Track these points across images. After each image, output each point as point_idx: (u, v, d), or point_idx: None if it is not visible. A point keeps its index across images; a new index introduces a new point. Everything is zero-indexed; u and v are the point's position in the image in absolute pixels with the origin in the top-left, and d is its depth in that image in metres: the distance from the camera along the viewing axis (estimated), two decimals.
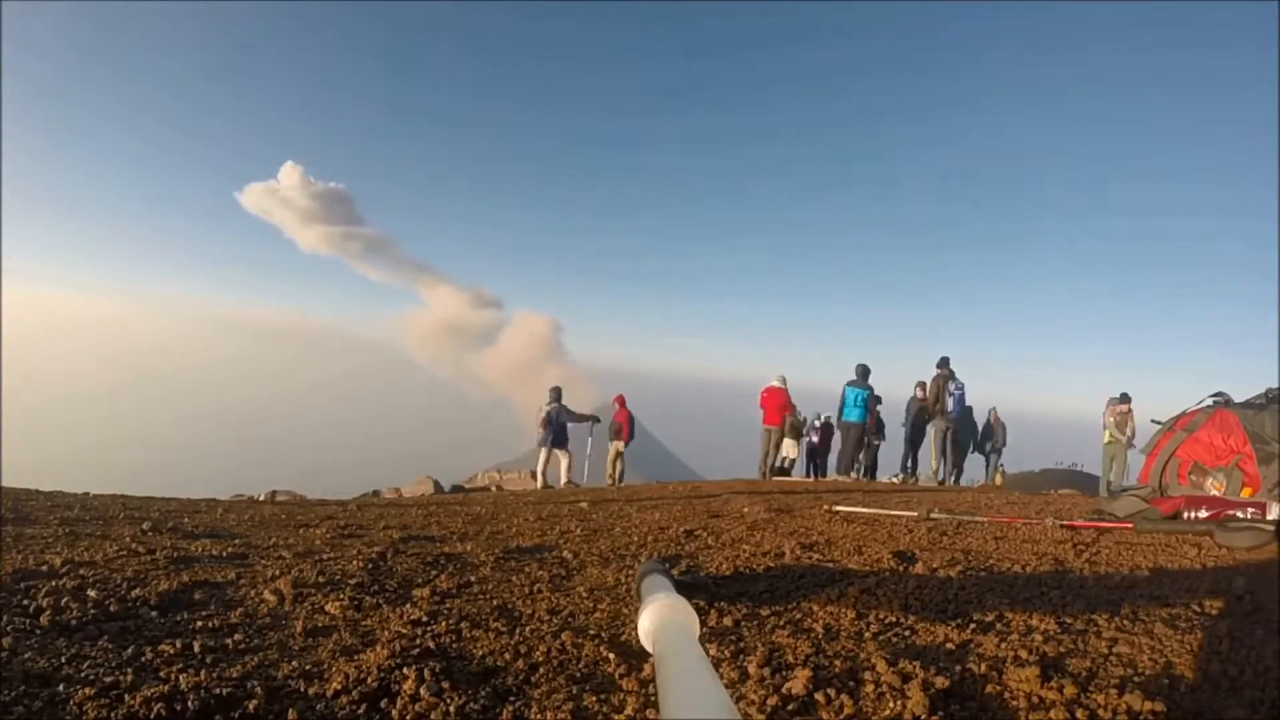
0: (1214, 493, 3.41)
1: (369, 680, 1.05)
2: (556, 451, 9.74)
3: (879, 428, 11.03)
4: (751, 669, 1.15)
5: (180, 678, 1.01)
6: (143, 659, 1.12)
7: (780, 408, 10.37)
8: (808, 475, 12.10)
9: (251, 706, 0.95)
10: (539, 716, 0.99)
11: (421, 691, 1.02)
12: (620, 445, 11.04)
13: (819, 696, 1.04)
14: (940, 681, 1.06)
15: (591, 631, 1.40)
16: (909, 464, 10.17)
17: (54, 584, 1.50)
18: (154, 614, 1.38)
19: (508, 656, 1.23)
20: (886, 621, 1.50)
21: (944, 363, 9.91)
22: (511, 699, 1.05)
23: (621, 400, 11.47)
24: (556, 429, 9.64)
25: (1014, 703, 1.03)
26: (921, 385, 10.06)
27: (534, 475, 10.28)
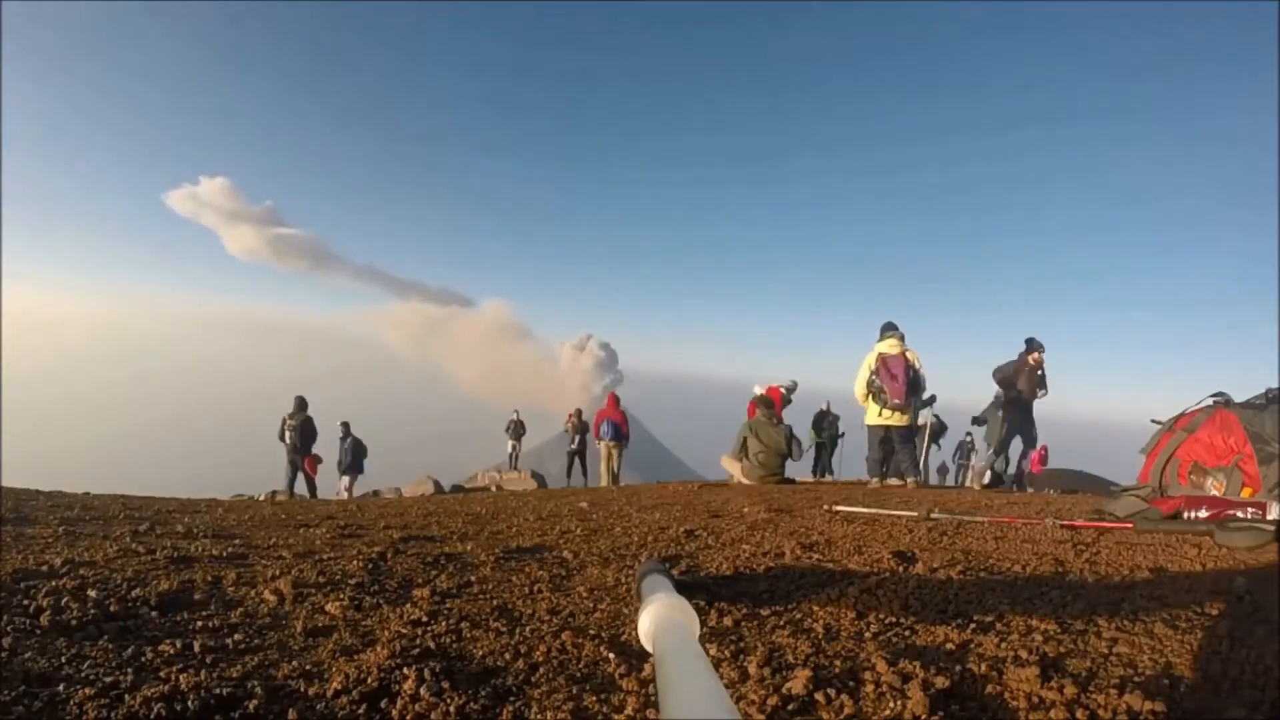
0: (1214, 493, 3.41)
1: (369, 680, 1.05)
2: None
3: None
4: (751, 669, 1.15)
5: (180, 678, 1.01)
6: (143, 659, 1.12)
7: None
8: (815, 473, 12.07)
9: (251, 706, 0.95)
10: (539, 716, 0.99)
11: (421, 691, 1.02)
12: (611, 444, 11.17)
13: (819, 696, 1.04)
14: (940, 681, 1.06)
15: (591, 631, 1.40)
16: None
17: (54, 584, 1.50)
18: (154, 614, 1.38)
19: (508, 656, 1.23)
20: (886, 621, 1.50)
21: (1035, 344, 8.62)
22: (511, 699, 1.05)
23: (613, 398, 11.53)
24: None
25: (1014, 703, 1.03)
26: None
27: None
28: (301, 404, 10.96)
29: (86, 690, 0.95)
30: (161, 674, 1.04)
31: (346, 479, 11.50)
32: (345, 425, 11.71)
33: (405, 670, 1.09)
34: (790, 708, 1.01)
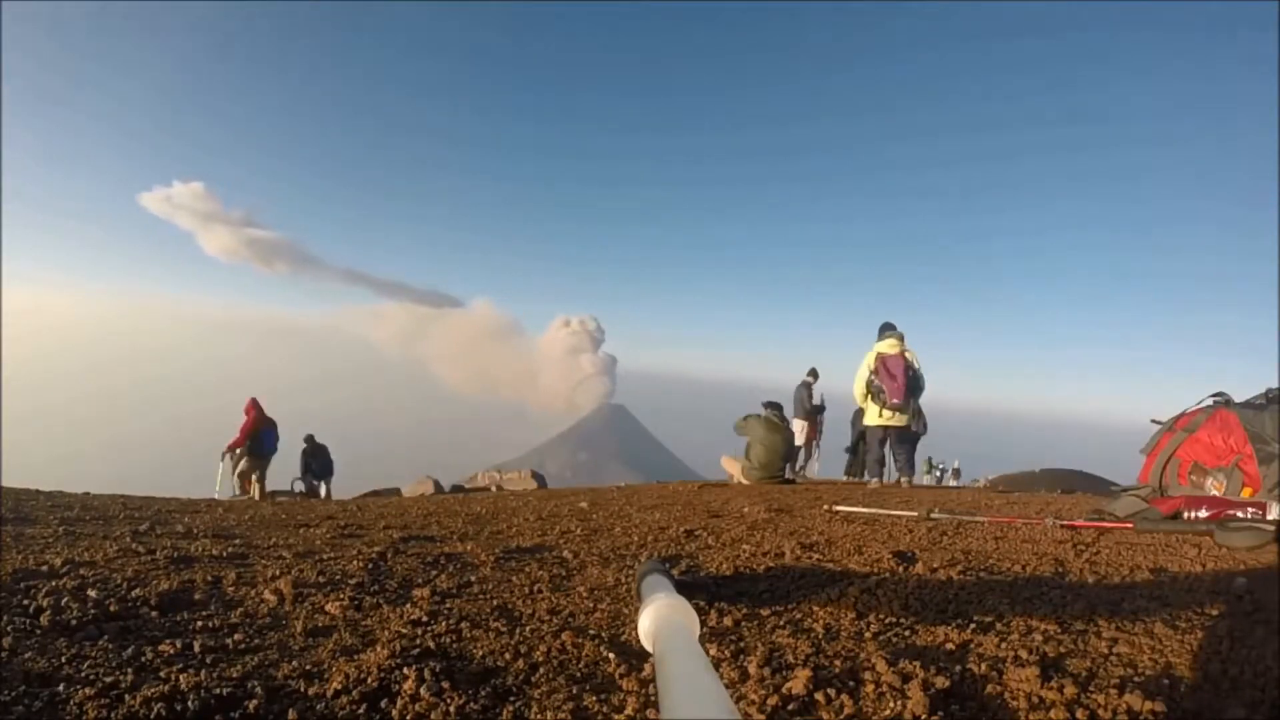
0: (1214, 493, 3.40)
1: (369, 680, 1.05)
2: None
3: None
4: (751, 669, 1.15)
5: (180, 678, 1.02)
6: (143, 659, 1.12)
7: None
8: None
9: (251, 706, 0.95)
10: (539, 716, 0.99)
11: (421, 691, 1.02)
12: (260, 459, 10.11)
13: (819, 696, 1.04)
14: (940, 681, 1.06)
15: (591, 631, 1.40)
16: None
17: (54, 584, 1.50)
18: (154, 614, 1.38)
19: (508, 656, 1.23)
20: (886, 621, 1.50)
21: None
22: (511, 699, 1.05)
23: (252, 404, 10.15)
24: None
25: (1014, 703, 1.03)
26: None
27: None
28: (311, 438, 11.58)
29: (86, 690, 0.95)
30: (161, 674, 1.05)
31: (323, 484, 11.63)
32: (309, 437, 11.93)
33: (405, 670, 1.09)
34: (790, 708, 1.02)
